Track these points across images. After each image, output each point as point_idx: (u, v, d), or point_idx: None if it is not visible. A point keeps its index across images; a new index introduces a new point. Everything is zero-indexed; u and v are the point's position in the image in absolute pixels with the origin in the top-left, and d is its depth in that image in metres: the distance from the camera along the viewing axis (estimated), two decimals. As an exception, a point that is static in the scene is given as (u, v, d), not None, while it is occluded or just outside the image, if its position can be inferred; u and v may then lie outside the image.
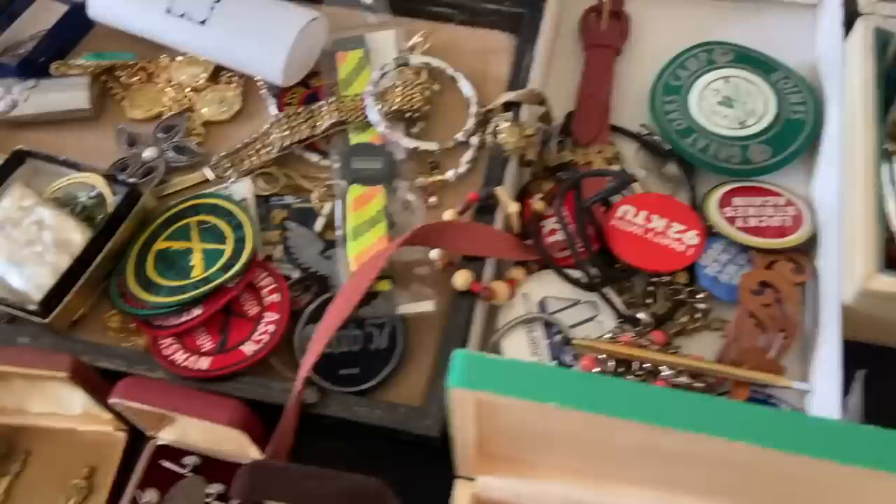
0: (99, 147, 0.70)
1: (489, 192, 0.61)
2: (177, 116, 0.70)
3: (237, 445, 0.54)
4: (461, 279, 0.57)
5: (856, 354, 0.54)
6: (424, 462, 0.54)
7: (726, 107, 0.67)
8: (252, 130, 0.70)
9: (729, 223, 0.62)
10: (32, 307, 0.56)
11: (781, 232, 0.61)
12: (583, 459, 0.47)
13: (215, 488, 0.54)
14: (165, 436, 0.55)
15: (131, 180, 0.64)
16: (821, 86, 0.68)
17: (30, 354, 0.49)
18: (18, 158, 0.65)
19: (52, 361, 0.48)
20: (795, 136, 0.65)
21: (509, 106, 0.67)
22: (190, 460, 0.55)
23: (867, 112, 0.60)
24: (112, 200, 0.62)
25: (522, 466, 0.49)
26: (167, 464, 0.55)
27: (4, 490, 0.56)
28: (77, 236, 0.59)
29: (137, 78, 0.73)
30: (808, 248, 0.61)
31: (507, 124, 0.64)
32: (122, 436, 0.56)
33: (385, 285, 0.58)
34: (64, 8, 0.76)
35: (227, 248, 0.60)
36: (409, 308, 0.57)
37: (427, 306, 0.57)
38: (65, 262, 0.58)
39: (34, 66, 0.72)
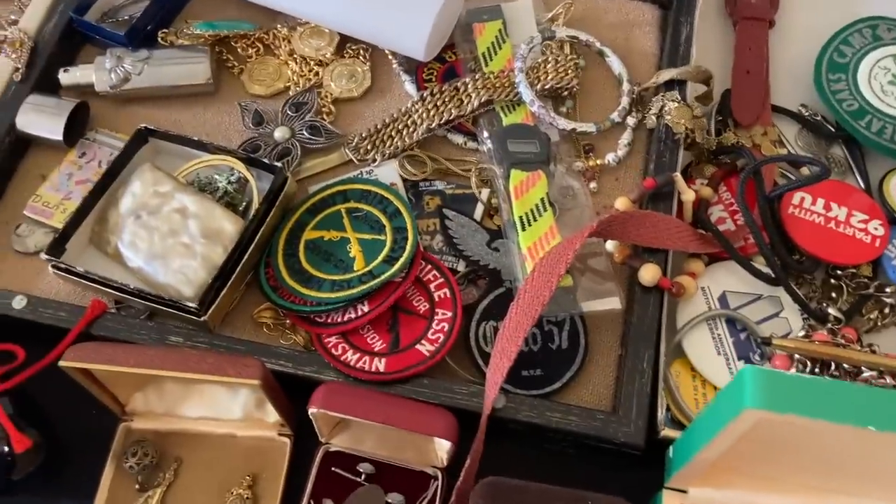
0: (219, 125, 0.65)
1: (668, 178, 0.57)
2: (306, 93, 0.64)
3: (419, 453, 0.51)
4: (649, 274, 0.53)
5: None
6: (608, 466, 0.52)
7: (898, 87, 0.63)
8: (384, 108, 0.65)
9: (913, 212, 0.59)
10: (192, 305, 0.51)
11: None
12: (819, 474, 0.44)
13: (395, 498, 0.50)
14: (339, 442, 0.51)
15: (266, 161, 0.59)
16: None
17: (216, 360, 0.45)
18: (143, 138, 0.60)
19: (244, 368, 0.43)
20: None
21: (671, 84, 0.63)
22: (365, 467, 0.51)
23: None
24: (255, 184, 0.57)
25: (750, 480, 0.46)
26: (340, 471, 0.51)
27: (158, 501, 0.52)
28: (228, 226, 0.54)
29: (255, 50, 0.67)
30: None
31: (676, 104, 0.60)
32: (286, 442, 0.52)
33: (566, 280, 0.54)
34: (165, -29, 0.70)
35: (387, 239, 0.56)
36: (593, 305, 0.53)
37: (613, 303, 0.53)
38: (218, 255, 0.53)
39: (141, 34, 0.66)
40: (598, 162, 0.61)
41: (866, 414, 0.34)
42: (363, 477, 0.51)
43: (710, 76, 0.62)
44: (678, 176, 0.57)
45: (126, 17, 0.67)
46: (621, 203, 0.57)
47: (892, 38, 0.66)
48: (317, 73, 0.66)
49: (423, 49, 0.62)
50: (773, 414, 0.34)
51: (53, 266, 0.54)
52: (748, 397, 0.34)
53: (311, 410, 0.45)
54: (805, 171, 0.62)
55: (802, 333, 0.54)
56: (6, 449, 0.45)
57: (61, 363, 0.45)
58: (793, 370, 0.53)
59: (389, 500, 0.50)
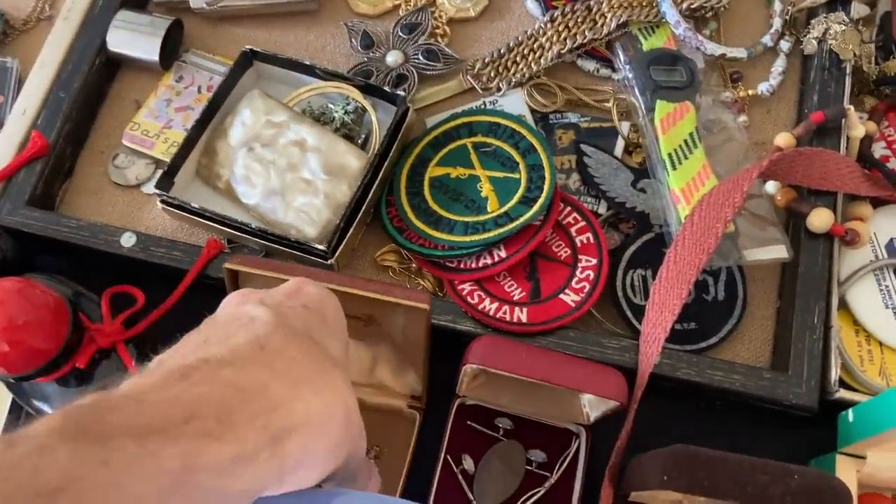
0: (323, 48, 0.59)
1: (839, 111, 0.51)
2: (419, 12, 0.58)
3: (562, 409, 0.47)
4: (820, 219, 0.48)
5: None
6: (760, 422, 0.48)
7: None
8: (503, 30, 0.59)
9: None
10: (320, 247, 0.47)
11: None
12: None
13: (536, 455, 0.47)
14: (475, 395, 0.48)
15: (386, 90, 0.53)
16: None
17: (381, 284, 0.42)
18: (248, 61, 0.55)
19: (412, 293, 0.39)
20: None
21: (832, 5, 0.56)
22: (503, 422, 0.48)
23: None
24: (374, 115, 0.52)
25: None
26: (477, 426, 0.48)
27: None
28: (352, 161, 0.49)
29: (359, -37, 0.61)
30: None
31: (843, 28, 0.53)
32: (414, 415, 0.48)
33: (729, 226, 0.48)
34: None
35: (521, 178, 0.50)
36: (757, 254, 0.48)
37: (779, 252, 0.48)
38: (342, 193, 0.49)
39: (235, -54, 0.60)
40: (750, 92, 0.55)
41: None
42: (501, 432, 0.48)
43: (880, -5, 0.55)
44: (851, 109, 0.51)
45: (217, -75, 0.61)
46: (783, 139, 0.51)
47: None
48: (429, -10, 0.60)
49: (553, -38, 0.56)
50: None
51: (163, 202, 0.50)
52: None
53: (469, 366, 0.41)
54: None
55: (984, 288, 0.49)
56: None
57: (226, 265, 0.42)
58: (973, 328, 0.49)
59: (530, 457, 0.47)
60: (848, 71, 0.53)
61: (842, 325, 0.50)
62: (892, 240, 0.52)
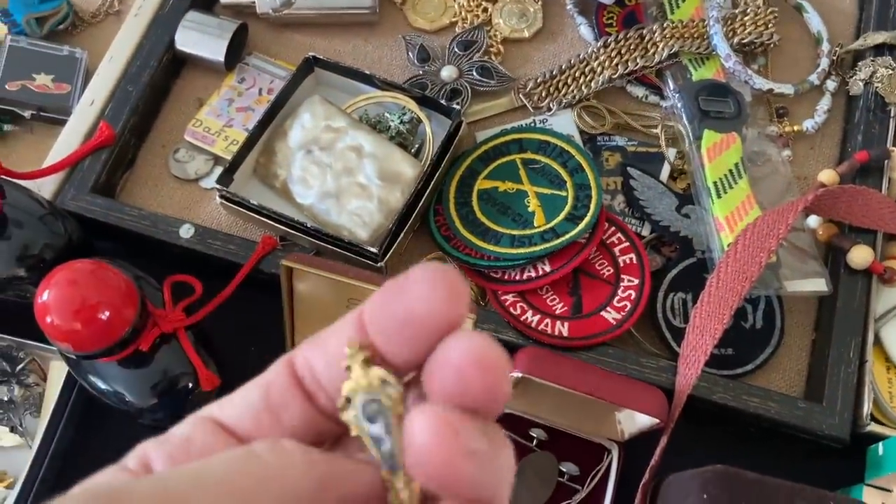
0: (380, 59, 0.61)
1: (883, 152, 0.52)
2: (475, 30, 0.60)
3: (597, 424, 0.48)
4: (860, 256, 0.49)
5: None
6: (791, 453, 0.49)
7: None
8: (555, 52, 0.61)
9: None
10: (373, 249, 0.48)
11: None
12: None
13: (569, 468, 0.48)
14: (511, 404, 0.49)
15: (442, 103, 0.55)
16: None
17: None
18: (309, 67, 0.57)
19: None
20: None
21: (880, 49, 0.57)
22: (537, 433, 0.49)
23: None
24: (429, 126, 0.54)
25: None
26: (511, 434, 0.49)
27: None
28: (407, 169, 0.51)
29: (419, -21, 0.63)
30: None
31: (890, 72, 0.55)
32: None
33: (772, 256, 0.50)
34: None
35: (569, 196, 0.52)
36: (798, 285, 0.49)
37: (819, 285, 0.49)
38: (396, 199, 0.51)
39: (301, -45, 0.62)
40: (795, 128, 0.57)
41: None
42: (535, 442, 0.49)
43: (929, 42, 0.56)
44: (895, 151, 0.52)
45: (286, -65, 0.64)
46: (826, 176, 0.52)
47: None
48: (485, 10, 0.61)
49: (610, -10, 0.58)
50: None
51: (222, 196, 0.52)
52: None
53: (514, 374, 0.42)
54: None
55: None
56: (190, 385, 0.44)
57: (283, 261, 0.44)
58: None
59: (563, 468, 0.48)
60: (892, 114, 0.54)
61: (874, 360, 0.51)
62: (928, 280, 0.53)
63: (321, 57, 0.56)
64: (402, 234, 0.50)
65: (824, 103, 0.57)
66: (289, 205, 0.53)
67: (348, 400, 0.18)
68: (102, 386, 0.44)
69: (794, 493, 0.35)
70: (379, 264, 0.49)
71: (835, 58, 0.58)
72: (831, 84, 0.58)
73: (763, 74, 0.59)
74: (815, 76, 0.58)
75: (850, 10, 0.61)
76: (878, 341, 0.51)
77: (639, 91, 0.58)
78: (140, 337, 0.41)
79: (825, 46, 0.59)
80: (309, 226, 0.50)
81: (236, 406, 0.20)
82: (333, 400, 0.20)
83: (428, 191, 0.52)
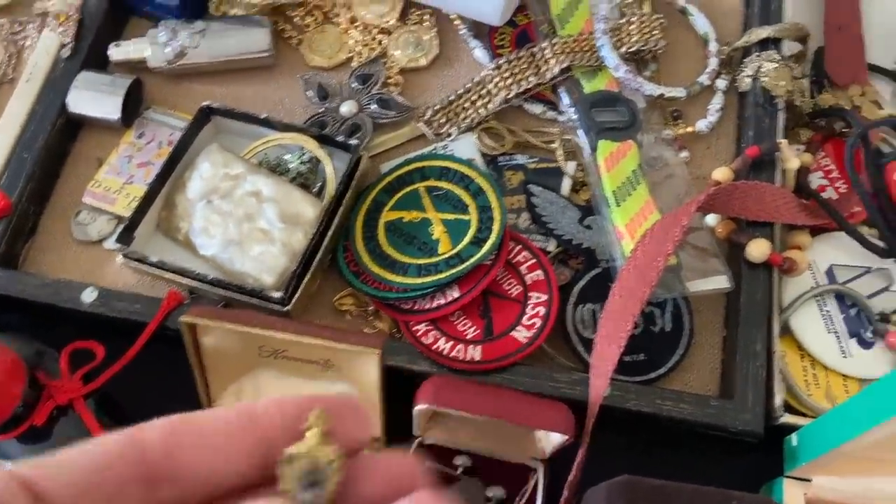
0: (280, 101, 0.61)
1: (773, 145, 0.53)
2: (372, 63, 0.60)
3: (518, 445, 0.48)
4: (758, 249, 0.50)
5: None
6: (708, 451, 0.49)
7: None
8: (453, 77, 0.61)
9: None
10: (277, 294, 0.48)
11: None
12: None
13: (495, 491, 0.48)
14: (432, 435, 0.49)
15: (340, 138, 0.55)
16: None
17: (335, 331, 0.43)
18: (206, 117, 0.56)
19: (366, 337, 0.41)
20: None
21: (764, 44, 0.58)
22: (461, 461, 0.49)
23: None
24: (329, 164, 0.54)
25: (880, 465, 0.43)
26: (436, 465, 0.49)
27: None
28: (307, 209, 0.51)
29: (313, 18, 0.63)
30: None
31: (774, 65, 0.56)
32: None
33: (671, 259, 0.50)
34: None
35: (472, 219, 0.52)
36: (700, 285, 0.50)
37: (721, 282, 0.50)
38: (298, 241, 0.50)
39: (194, 4, 0.62)
40: (689, 129, 0.58)
41: None
42: (460, 470, 0.49)
43: (808, 34, 0.58)
44: (784, 143, 0.53)
45: (176, -14, 0.64)
46: (720, 174, 0.53)
47: None
48: (380, 42, 0.62)
49: (498, 12, 0.58)
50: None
51: (124, 255, 0.51)
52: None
53: (420, 407, 0.42)
54: (908, 133, 0.58)
55: (919, 309, 0.51)
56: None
57: (182, 318, 0.43)
58: (910, 348, 0.50)
59: (489, 494, 0.48)
60: (780, 106, 0.56)
61: (787, 351, 0.52)
62: (831, 267, 0.54)
63: (216, 105, 0.56)
64: (308, 276, 0.50)
65: (716, 102, 0.58)
66: (194, 257, 0.53)
67: (292, 459, 0.20)
68: (6, 464, 0.43)
69: (697, 495, 0.36)
70: (286, 308, 0.49)
71: (723, 56, 0.60)
72: (722, 83, 0.59)
73: (655, 80, 0.60)
74: (706, 76, 0.59)
75: (737, 8, 0.63)
76: (791, 332, 0.52)
77: (536, 108, 0.59)
78: (34, 412, 0.40)
79: (713, 46, 0.60)
80: (210, 277, 0.49)
81: (61, 472, 0.19)
82: (184, 492, 0.20)
83: (332, 229, 0.52)
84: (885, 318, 0.50)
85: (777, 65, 0.56)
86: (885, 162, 0.54)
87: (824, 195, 0.56)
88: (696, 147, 0.58)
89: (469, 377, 0.48)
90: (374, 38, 0.62)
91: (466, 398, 0.41)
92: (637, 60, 0.60)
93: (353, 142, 0.54)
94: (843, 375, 0.51)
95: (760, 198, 0.51)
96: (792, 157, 0.53)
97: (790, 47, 0.59)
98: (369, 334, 0.49)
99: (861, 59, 0.61)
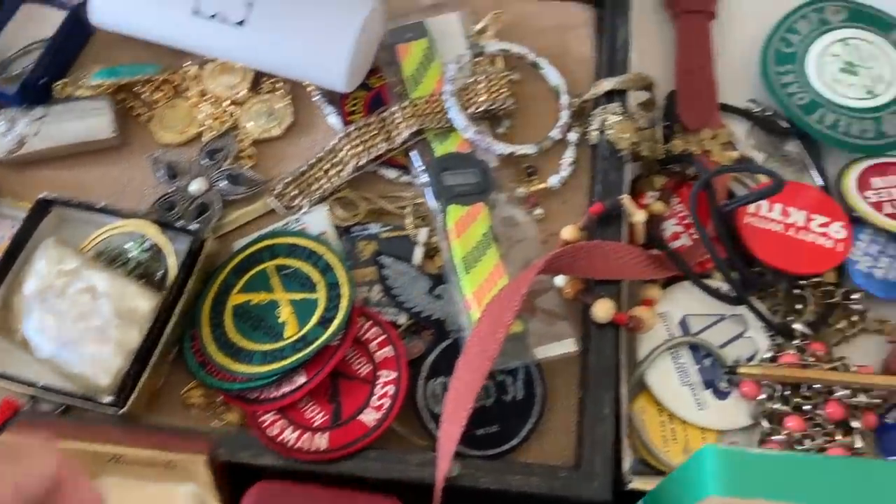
0: (129, 182, 0.59)
1: (616, 202, 0.53)
2: (222, 137, 0.59)
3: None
4: (602, 310, 0.50)
5: None
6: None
7: (850, 74, 0.60)
8: (310, 146, 0.60)
9: (875, 209, 0.56)
10: (108, 398, 0.46)
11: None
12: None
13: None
14: (284, 529, 0.47)
15: (181, 223, 0.54)
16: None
17: (159, 436, 0.41)
18: (43, 209, 0.55)
19: (190, 442, 0.39)
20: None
21: (611, 95, 0.58)
22: (317, 553, 0.47)
23: None
24: (171, 251, 0.52)
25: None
26: (291, 560, 0.47)
27: None
28: (143, 303, 0.49)
29: (163, 93, 0.62)
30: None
31: (618, 118, 0.56)
32: None
33: (516, 326, 0.50)
34: (56, 14, 0.63)
35: (320, 297, 0.51)
36: (547, 350, 0.49)
37: (568, 346, 0.49)
38: (133, 338, 0.49)
39: (35, 89, 0.60)
40: (542, 185, 0.57)
41: (846, 492, 0.31)
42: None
43: (652, 83, 0.58)
44: (626, 198, 0.53)
45: (16, 73, 0.62)
46: (567, 232, 0.53)
47: (840, 21, 0.62)
48: (231, 114, 0.61)
49: (343, 79, 0.57)
50: (740, 500, 0.31)
51: (-48, 366, 0.49)
52: (711, 484, 0.31)
53: (243, 515, 0.41)
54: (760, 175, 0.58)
55: (769, 355, 0.51)
56: None
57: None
58: (763, 396, 0.50)
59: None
60: (626, 160, 0.56)
61: (646, 406, 0.52)
62: (685, 317, 0.54)
63: (51, 197, 0.54)
64: (145, 375, 0.48)
65: (568, 156, 0.58)
66: (33, 359, 0.51)
67: None
68: None
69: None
70: (121, 412, 0.47)
71: (574, 109, 0.60)
72: (573, 136, 0.59)
73: (509, 137, 0.60)
74: (557, 130, 0.59)
75: (587, 57, 0.63)
76: (646, 386, 0.52)
77: (391, 173, 0.58)
78: None
79: (563, 99, 0.60)
80: (42, 384, 0.47)
81: None
82: None
83: (172, 320, 0.50)
84: (731, 370, 0.50)
85: (620, 117, 0.56)
86: (732, 207, 0.54)
87: (679, 242, 0.57)
88: (552, 202, 0.58)
89: (316, 466, 0.47)
90: (224, 111, 0.61)
91: (289, 504, 0.40)
92: (490, 118, 0.60)
93: (194, 227, 0.52)
94: (701, 428, 0.51)
95: (605, 256, 0.51)
96: (636, 211, 0.53)
97: (639, 95, 0.59)
98: (198, 434, 0.47)
99: (713, 102, 0.61)
